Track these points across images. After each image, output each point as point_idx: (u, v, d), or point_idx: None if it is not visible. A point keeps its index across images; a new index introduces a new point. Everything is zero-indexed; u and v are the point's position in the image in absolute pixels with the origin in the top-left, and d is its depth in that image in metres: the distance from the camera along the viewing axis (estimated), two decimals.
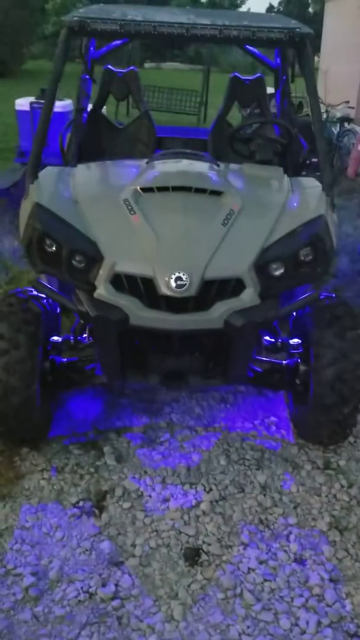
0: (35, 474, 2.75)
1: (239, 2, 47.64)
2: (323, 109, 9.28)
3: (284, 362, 2.93)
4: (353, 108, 9.97)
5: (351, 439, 3.01)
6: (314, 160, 3.37)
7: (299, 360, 2.90)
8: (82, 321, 2.98)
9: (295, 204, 2.80)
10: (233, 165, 3.25)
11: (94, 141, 4.26)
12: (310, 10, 39.53)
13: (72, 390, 3.15)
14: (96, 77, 4.48)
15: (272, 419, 3.19)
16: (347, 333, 2.70)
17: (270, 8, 47.64)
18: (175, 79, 20.48)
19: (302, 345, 2.90)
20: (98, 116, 4.38)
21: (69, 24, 3.10)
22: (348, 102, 9.74)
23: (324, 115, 9.49)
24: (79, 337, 2.98)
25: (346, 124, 9.00)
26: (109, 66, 4.39)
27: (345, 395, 2.67)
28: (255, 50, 4.26)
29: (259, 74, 4.46)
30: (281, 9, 47.37)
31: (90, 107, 4.40)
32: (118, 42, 4.22)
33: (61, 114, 6.71)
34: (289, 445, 3.00)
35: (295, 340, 2.95)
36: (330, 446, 2.96)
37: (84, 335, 2.99)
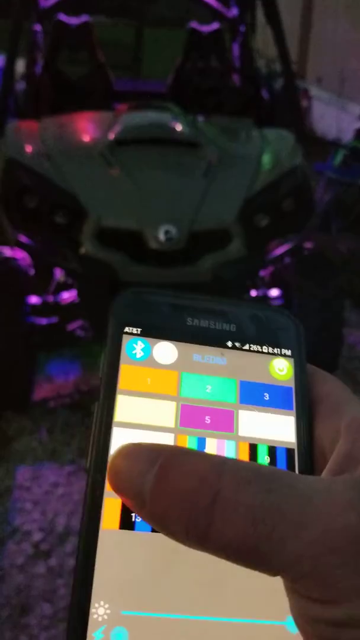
0: (24, 436, 2.72)
1: None
2: (264, 62, 9.25)
3: None
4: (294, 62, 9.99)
5: None
6: None
7: None
8: (63, 280, 2.93)
9: (270, 155, 2.83)
10: (201, 117, 3.23)
11: (49, 94, 4.12)
12: None
13: (52, 352, 3.11)
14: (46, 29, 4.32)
15: None
16: (329, 282, 2.78)
17: None
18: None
19: (283, 297, 2.96)
20: (51, 69, 4.22)
21: None
22: None
23: (265, 70, 9.47)
24: (56, 298, 2.93)
25: None
26: (61, 17, 4.22)
27: (329, 342, 2.76)
28: None
29: (217, 25, 4.40)
30: None
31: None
32: None
33: None
34: None
35: (274, 292, 3.00)
36: None
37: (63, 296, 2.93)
